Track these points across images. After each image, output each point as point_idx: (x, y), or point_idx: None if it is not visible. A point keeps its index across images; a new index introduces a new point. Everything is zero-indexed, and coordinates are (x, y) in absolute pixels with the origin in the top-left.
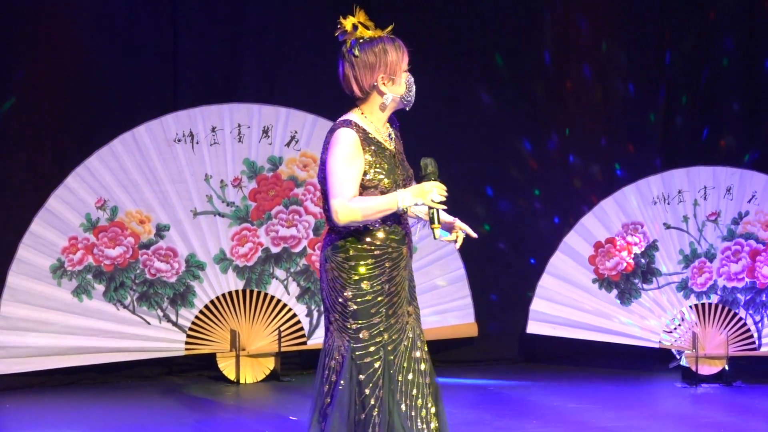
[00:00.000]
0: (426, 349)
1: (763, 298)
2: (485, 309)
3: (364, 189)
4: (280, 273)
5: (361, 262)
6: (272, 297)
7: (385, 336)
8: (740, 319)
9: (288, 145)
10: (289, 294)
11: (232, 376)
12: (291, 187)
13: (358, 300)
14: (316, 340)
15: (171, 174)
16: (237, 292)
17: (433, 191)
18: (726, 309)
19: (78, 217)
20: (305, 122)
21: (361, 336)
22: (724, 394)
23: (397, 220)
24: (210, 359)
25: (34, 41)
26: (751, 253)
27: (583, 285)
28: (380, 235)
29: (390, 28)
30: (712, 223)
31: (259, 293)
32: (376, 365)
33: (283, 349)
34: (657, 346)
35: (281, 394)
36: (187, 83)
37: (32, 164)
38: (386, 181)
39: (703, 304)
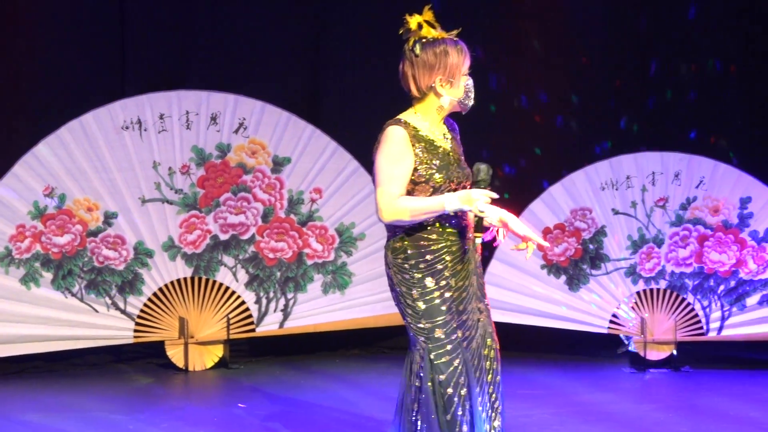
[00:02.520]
0: (496, 347)
1: (711, 284)
2: None
3: (415, 185)
4: (228, 260)
5: (421, 259)
6: (221, 284)
7: (460, 333)
8: (688, 304)
9: (236, 132)
10: (237, 281)
11: (180, 364)
12: (239, 174)
13: (427, 298)
14: (265, 328)
15: (119, 161)
16: (185, 279)
17: (481, 199)
18: (674, 294)
19: (26, 205)
20: (254, 109)
21: (436, 335)
22: (672, 379)
23: (454, 213)
24: (158, 347)
25: None
26: (699, 238)
27: (532, 271)
28: (437, 229)
29: (456, 31)
30: (660, 208)
31: (207, 281)
32: (456, 363)
33: (231, 337)
34: (605, 331)
35: (230, 381)
36: (135, 70)
37: None
38: (438, 177)
39: (651, 290)
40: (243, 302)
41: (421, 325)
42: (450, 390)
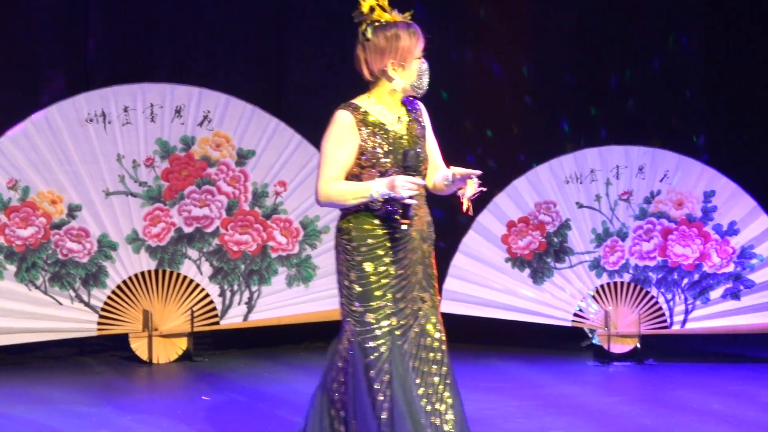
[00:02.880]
0: (442, 338)
1: (675, 277)
2: None
3: (362, 169)
4: (192, 253)
5: (363, 243)
6: (185, 277)
7: (393, 321)
8: (652, 297)
9: (201, 124)
10: (201, 274)
11: (144, 357)
12: (204, 166)
13: (363, 282)
14: (229, 320)
15: (83, 154)
16: (149, 272)
17: (405, 185)
18: (638, 288)
19: None
20: (218, 102)
21: (366, 319)
22: (636, 372)
23: (382, 199)
24: (122, 339)
25: None
26: (662, 231)
27: (496, 264)
28: (382, 215)
29: (408, 14)
30: (624, 202)
31: (171, 273)
32: (383, 350)
33: (195, 329)
34: (569, 324)
35: (194, 374)
36: (100, 62)
37: None
38: (385, 161)
39: (615, 283)
40: (207, 295)
41: (353, 308)
42: (373, 373)
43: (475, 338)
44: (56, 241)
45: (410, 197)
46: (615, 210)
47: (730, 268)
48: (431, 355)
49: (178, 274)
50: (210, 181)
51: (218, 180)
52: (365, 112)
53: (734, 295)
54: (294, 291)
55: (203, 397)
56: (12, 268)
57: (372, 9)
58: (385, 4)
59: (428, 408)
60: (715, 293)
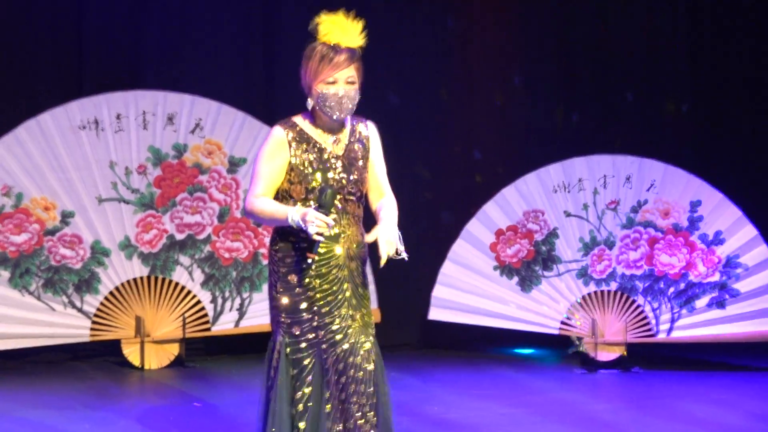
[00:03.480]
0: (373, 358)
1: (661, 286)
2: (388, 296)
3: (291, 184)
4: (184, 260)
5: (288, 255)
6: (177, 284)
7: (321, 333)
8: (638, 306)
9: (193, 132)
10: (193, 281)
11: (136, 362)
12: (195, 174)
13: (288, 294)
14: (220, 327)
15: (76, 161)
16: (142, 278)
17: (314, 222)
18: (624, 296)
19: None
20: (209, 110)
21: (293, 331)
22: (622, 380)
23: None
24: (115, 345)
25: None
26: (649, 240)
27: (485, 272)
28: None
29: (327, 34)
30: (611, 211)
31: (164, 280)
32: (306, 362)
33: (187, 335)
34: (557, 332)
35: (186, 379)
36: (92, 70)
37: None
38: (312, 179)
39: (602, 292)
40: (199, 301)
41: (281, 319)
42: (297, 384)
43: (461, 344)
44: (49, 248)
45: (320, 233)
46: (602, 219)
47: (716, 277)
48: (360, 374)
49: (170, 281)
50: (202, 188)
51: (210, 187)
52: (300, 130)
53: (719, 304)
54: None
55: (195, 403)
56: (6, 274)
57: (316, 26)
58: (343, 25)
59: (348, 422)
60: (701, 302)
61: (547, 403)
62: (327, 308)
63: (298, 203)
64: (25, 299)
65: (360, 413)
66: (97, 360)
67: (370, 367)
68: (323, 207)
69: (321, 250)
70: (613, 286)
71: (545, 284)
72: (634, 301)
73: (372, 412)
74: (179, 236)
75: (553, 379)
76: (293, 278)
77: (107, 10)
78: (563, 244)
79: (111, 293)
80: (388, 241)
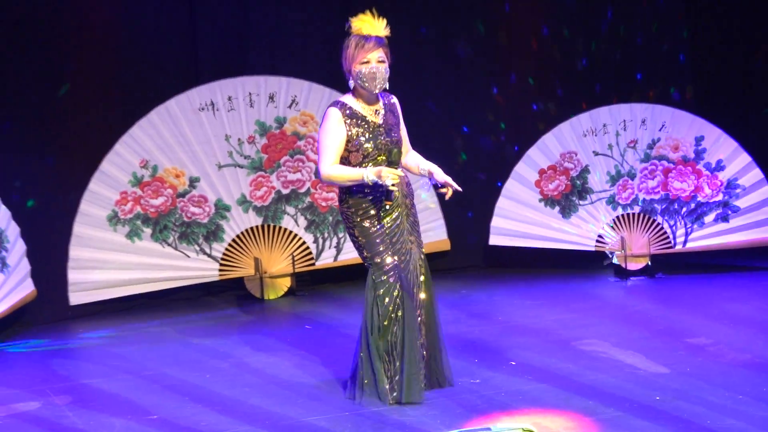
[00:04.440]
0: (425, 271)
1: (675, 207)
2: (457, 227)
3: (350, 152)
4: (290, 209)
5: (359, 208)
6: (285, 229)
7: (397, 258)
8: (658, 224)
9: (290, 107)
10: (298, 226)
11: (257, 294)
12: (294, 140)
13: (366, 234)
14: (322, 261)
15: (198, 136)
16: (257, 227)
17: (389, 176)
18: (646, 217)
19: (126, 175)
20: (302, 88)
21: (376, 261)
22: (649, 284)
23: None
24: (239, 282)
25: (83, 38)
26: (664, 171)
27: (532, 204)
28: (369, 187)
29: (359, 28)
30: (631, 149)
31: (274, 227)
32: (391, 280)
33: (296, 270)
34: (593, 249)
35: (297, 306)
36: (206, 62)
37: (87, 135)
38: (367, 146)
39: (628, 214)
40: (304, 242)
41: (365, 254)
42: (387, 300)
43: (516, 264)
44: (181, 207)
45: (392, 184)
46: (624, 156)
47: (720, 197)
48: (420, 279)
49: (280, 227)
50: (300, 151)
51: (306, 150)
52: (350, 107)
53: (724, 218)
54: None
55: (306, 326)
56: (148, 231)
57: (349, 24)
58: (370, 21)
59: (426, 320)
60: (709, 218)
61: (589, 309)
62: (395, 238)
63: (360, 166)
64: (165, 250)
65: (426, 314)
66: (225, 294)
67: (428, 279)
68: (393, 163)
69: (382, 199)
70: (636, 209)
71: (581, 211)
72: (654, 221)
73: (425, 316)
74: (284, 191)
75: (592, 288)
76: (367, 223)
77: (215, 16)
78: (594, 178)
79: (233, 240)
80: (438, 172)
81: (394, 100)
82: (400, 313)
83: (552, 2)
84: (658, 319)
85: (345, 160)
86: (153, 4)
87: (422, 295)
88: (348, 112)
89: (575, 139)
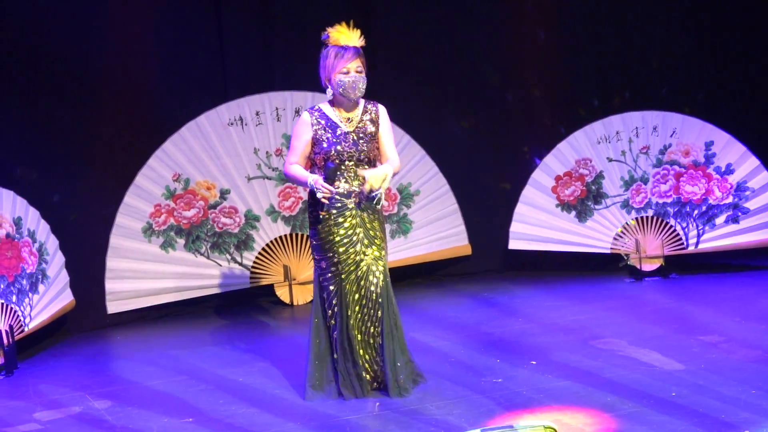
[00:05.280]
0: (380, 283)
1: (687, 209)
2: (477, 233)
3: (316, 155)
4: None
5: (313, 210)
6: None
7: (340, 267)
8: (671, 226)
9: None
10: None
11: (287, 300)
12: None
13: (317, 237)
14: None
15: (228, 150)
16: (285, 236)
17: (320, 190)
18: (660, 219)
19: (159, 188)
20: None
21: (322, 265)
22: (663, 284)
23: (343, 179)
24: (269, 289)
25: (116, 61)
26: (675, 175)
27: (549, 209)
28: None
29: (336, 39)
30: (644, 154)
31: (302, 235)
32: (332, 287)
33: None
34: (609, 251)
35: None
36: (234, 79)
37: (122, 151)
38: (331, 151)
39: (642, 217)
40: None
41: (315, 256)
42: (327, 305)
43: (535, 268)
44: (213, 218)
45: (325, 197)
46: (637, 161)
47: (730, 199)
48: (370, 292)
49: (307, 236)
50: None
51: None
52: (322, 113)
53: (734, 220)
54: (396, 242)
55: None
56: (181, 241)
57: (326, 35)
58: (346, 33)
59: (363, 328)
60: (719, 220)
61: (606, 309)
62: (343, 248)
63: (319, 170)
64: (197, 259)
65: (370, 322)
66: (256, 301)
67: (379, 287)
68: (328, 178)
69: (338, 205)
70: (650, 212)
71: (597, 215)
72: (667, 223)
73: (377, 323)
74: None
75: (608, 289)
76: (319, 227)
77: (242, 35)
78: (608, 183)
79: (263, 249)
80: (373, 176)
81: (380, 109)
82: (333, 322)
83: (565, 11)
84: (673, 318)
85: (312, 162)
86: (185, 26)
87: (375, 307)
88: (318, 116)
89: (589, 146)
